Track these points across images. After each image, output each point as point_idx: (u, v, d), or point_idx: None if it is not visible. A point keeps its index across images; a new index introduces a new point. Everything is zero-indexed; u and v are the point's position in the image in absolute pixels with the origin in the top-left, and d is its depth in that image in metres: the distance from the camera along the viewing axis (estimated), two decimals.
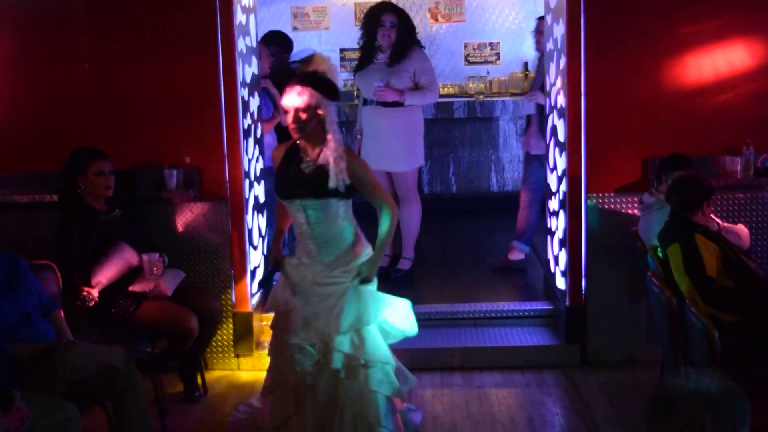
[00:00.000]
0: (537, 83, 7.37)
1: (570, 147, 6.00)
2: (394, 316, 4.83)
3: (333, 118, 4.52)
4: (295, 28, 10.72)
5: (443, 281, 7.41)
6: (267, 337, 6.33)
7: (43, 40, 6.15)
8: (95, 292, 5.11)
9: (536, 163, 7.43)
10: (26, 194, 5.96)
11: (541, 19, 7.24)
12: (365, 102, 7.19)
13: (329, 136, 4.49)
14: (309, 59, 4.08)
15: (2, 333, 4.12)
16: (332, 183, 4.44)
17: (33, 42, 6.16)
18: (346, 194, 4.53)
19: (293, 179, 4.57)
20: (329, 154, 4.48)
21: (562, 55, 6.08)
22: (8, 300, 4.37)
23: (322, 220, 4.56)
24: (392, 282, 7.30)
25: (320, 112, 4.47)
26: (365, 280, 4.63)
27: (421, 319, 6.52)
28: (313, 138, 4.53)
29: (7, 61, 6.15)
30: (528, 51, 10.68)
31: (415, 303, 6.78)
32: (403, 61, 7.03)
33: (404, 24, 7.09)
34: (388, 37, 7.04)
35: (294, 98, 4.46)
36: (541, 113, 7.18)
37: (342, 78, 10.54)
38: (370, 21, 7.14)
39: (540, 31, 7.27)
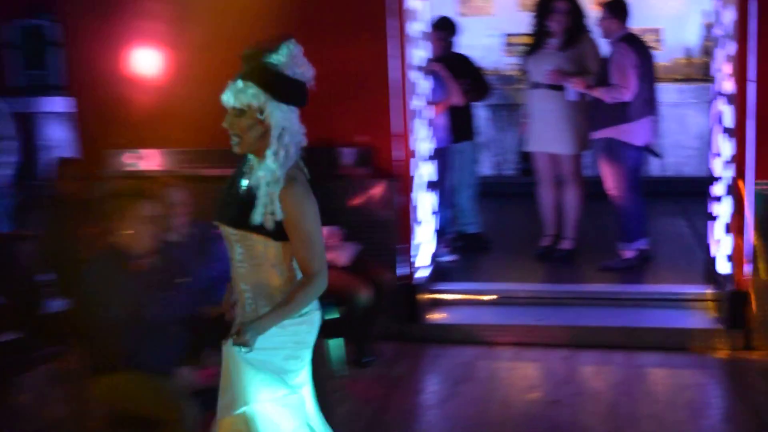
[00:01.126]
0: (602, 74, 7.01)
1: (738, 133, 5.87)
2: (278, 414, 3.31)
3: (284, 126, 3.30)
4: (461, 14, 10.76)
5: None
6: (434, 315, 6.49)
7: (225, 23, 6.36)
8: None
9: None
10: (213, 168, 6.24)
11: (605, 5, 7.05)
12: (534, 86, 7.22)
13: (269, 152, 3.25)
14: (274, 49, 3.27)
15: (195, 294, 4.36)
16: (257, 216, 3.23)
17: (215, 26, 6.40)
18: (276, 235, 3.26)
19: (225, 198, 3.46)
20: (261, 176, 3.25)
21: (731, 41, 5.95)
22: (201, 264, 4.60)
23: (247, 259, 3.35)
24: (554, 261, 7.33)
25: (263, 117, 3.25)
26: (238, 341, 3.14)
27: (583, 298, 6.60)
28: (260, 151, 3.29)
29: (193, 44, 6.43)
30: (691, 37, 10.47)
31: (577, 282, 6.88)
32: (575, 46, 7.03)
33: (576, 10, 7.08)
34: (560, 23, 7.04)
35: (229, 96, 3.29)
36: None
37: (507, 62, 10.57)
38: (543, 7, 7.16)
39: (605, 18, 7.03)
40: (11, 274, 5.26)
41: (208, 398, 4.07)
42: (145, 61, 6.56)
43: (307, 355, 3.50)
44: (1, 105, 6.97)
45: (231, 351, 3.25)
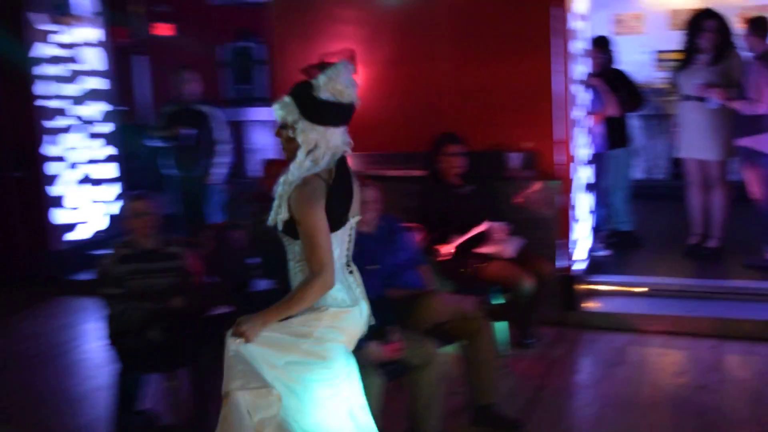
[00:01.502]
0: (746, 88, 6.55)
1: None
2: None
3: (317, 144, 3.11)
4: (616, 33, 10.50)
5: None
6: (590, 304, 6.36)
7: (413, 41, 6.46)
8: (450, 249, 5.31)
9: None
10: (397, 169, 6.32)
11: (753, 21, 6.61)
12: (685, 98, 6.96)
13: (294, 162, 3.13)
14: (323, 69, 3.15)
15: (383, 279, 4.40)
16: (270, 216, 3.17)
17: (405, 43, 6.49)
18: (292, 235, 3.13)
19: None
20: (280, 181, 3.16)
21: None
22: (388, 252, 4.64)
23: (288, 256, 3.24)
24: (701, 258, 7.07)
25: (294, 134, 3.13)
26: (235, 333, 3.10)
27: (728, 293, 6.32)
28: None
29: (385, 60, 6.52)
30: None
31: (722, 278, 6.59)
32: (723, 61, 6.75)
33: (724, 28, 6.79)
34: (709, 40, 6.76)
35: (275, 110, 3.18)
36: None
37: (658, 76, 10.24)
38: (693, 25, 6.90)
39: (747, 35, 6.60)
40: (225, 258, 5.44)
41: (392, 370, 4.13)
42: None
43: (332, 353, 3.20)
44: (218, 114, 7.23)
45: (226, 341, 3.10)
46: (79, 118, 7.99)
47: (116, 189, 8.37)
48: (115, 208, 8.30)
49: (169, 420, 4.68)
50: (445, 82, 6.37)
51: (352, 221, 3.26)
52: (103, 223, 8.26)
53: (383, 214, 4.76)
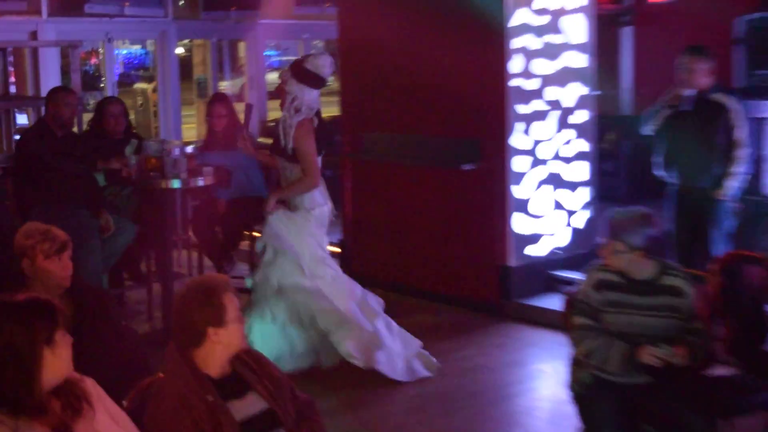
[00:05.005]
0: None
1: None
2: None
3: (294, 94, 6.50)
4: None
5: None
6: None
7: None
8: None
9: None
10: None
11: None
12: None
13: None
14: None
15: None
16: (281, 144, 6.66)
17: None
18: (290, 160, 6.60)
19: None
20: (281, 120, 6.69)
21: None
22: None
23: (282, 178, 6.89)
24: None
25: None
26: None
27: None
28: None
29: None
30: None
31: None
32: None
33: None
34: None
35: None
36: None
37: None
38: None
39: None
40: (736, 301, 5.14)
41: None
42: None
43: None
44: (735, 105, 6.84)
45: None
46: (552, 103, 8.04)
47: (586, 195, 8.35)
48: (582, 219, 8.29)
49: None
50: None
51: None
52: (565, 238, 8.24)
53: None
